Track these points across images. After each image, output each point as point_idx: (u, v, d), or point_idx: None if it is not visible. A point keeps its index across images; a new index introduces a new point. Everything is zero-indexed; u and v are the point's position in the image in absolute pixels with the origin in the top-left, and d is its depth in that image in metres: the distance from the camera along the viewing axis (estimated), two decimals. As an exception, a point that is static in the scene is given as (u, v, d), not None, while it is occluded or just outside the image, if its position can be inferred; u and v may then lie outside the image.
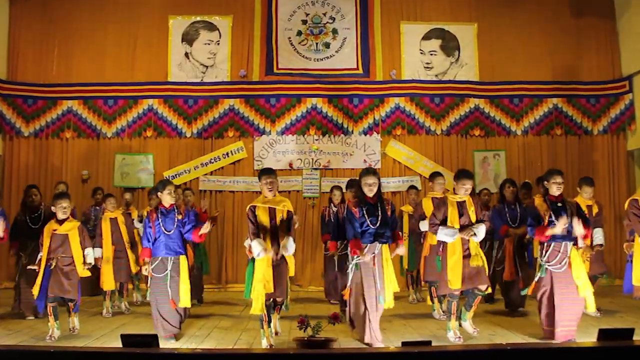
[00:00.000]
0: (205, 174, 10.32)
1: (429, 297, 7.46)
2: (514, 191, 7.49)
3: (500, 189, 7.77)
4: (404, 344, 4.17)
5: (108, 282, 7.57)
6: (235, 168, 10.42)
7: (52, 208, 6.29)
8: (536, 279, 5.88)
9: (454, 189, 6.12)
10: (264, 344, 5.58)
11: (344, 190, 7.98)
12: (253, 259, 5.71)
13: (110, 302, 7.68)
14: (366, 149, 10.44)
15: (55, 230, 6.23)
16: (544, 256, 5.80)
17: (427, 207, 7.11)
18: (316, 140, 10.44)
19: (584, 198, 7.38)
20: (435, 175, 7.59)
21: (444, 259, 6.00)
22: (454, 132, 10.55)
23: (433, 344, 4.29)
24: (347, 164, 10.40)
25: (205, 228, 6.05)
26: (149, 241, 6.12)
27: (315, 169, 10.36)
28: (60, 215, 6.26)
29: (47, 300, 6.13)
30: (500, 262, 7.45)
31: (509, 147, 10.60)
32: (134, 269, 7.86)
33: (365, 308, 5.67)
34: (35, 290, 6.16)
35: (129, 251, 7.84)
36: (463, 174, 6.09)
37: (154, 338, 4.15)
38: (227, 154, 10.38)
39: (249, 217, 5.83)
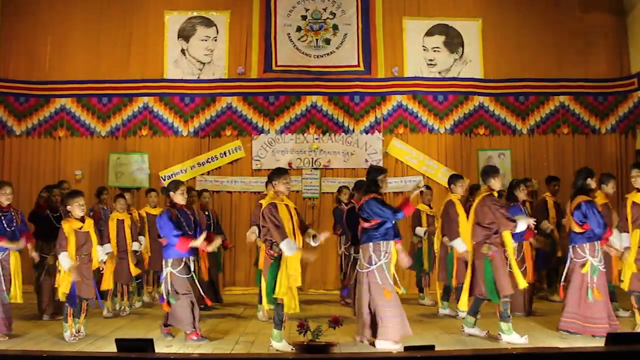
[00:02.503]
0: (202, 174, 10.14)
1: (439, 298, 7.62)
2: (528, 192, 7.69)
3: (511, 188, 7.44)
4: (407, 348, 4.09)
5: (107, 281, 7.51)
6: (233, 168, 10.24)
7: (67, 207, 6.30)
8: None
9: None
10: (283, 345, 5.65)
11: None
12: (277, 258, 5.67)
13: (112, 303, 7.69)
14: (367, 148, 10.21)
15: (79, 228, 6.25)
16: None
17: (460, 207, 7.17)
18: (316, 139, 10.24)
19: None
20: (457, 177, 7.52)
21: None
22: (458, 131, 10.36)
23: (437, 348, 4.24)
24: (348, 164, 10.21)
25: (214, 245, 6.33)
26: (179, 230, 5.97)
27: (315, 168, 10.17)
28: (79, 213, 6.27)
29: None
30: (520, 264, 7.20)
31: (514, 146, 10.41)
32: (134, 271, 7.79)
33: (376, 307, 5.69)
34: (67, 289, 6.07)
35: (130, 253, 7.78)
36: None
37: (150, 342, 4.08)
38: (225, 153, 10.19)
39: (272, 215, 5.68)
